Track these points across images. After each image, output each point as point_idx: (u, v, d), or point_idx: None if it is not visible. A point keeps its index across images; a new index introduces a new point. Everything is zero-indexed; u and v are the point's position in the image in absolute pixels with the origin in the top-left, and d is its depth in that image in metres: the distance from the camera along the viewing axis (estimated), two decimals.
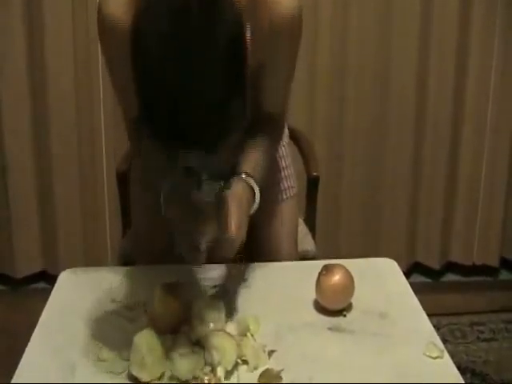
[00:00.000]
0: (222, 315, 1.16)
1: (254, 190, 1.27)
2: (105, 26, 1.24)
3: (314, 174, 1.71)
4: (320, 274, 1.27)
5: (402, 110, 2.51)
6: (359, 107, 2.51)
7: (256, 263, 1.42)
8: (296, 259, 1.56)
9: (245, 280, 1.36)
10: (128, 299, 1.29)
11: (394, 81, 2.48)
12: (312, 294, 1.28)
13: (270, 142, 1.40)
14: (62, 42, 2.34)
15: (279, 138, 1.48)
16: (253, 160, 1.32)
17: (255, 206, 1.28)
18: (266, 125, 1.37)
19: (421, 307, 1.30)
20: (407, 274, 2.66)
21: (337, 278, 1.24)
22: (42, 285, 2.59)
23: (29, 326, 1.24)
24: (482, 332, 2.42)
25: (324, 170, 2.34)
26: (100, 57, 2.33)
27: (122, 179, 1.64)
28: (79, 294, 1.33)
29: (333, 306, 1.26)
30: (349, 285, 1.26)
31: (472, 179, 2.63)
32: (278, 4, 1.18)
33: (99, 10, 1.24)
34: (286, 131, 1.57)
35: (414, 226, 2.66)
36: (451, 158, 2.60)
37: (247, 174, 1.28)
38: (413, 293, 1.35)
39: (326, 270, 1.26)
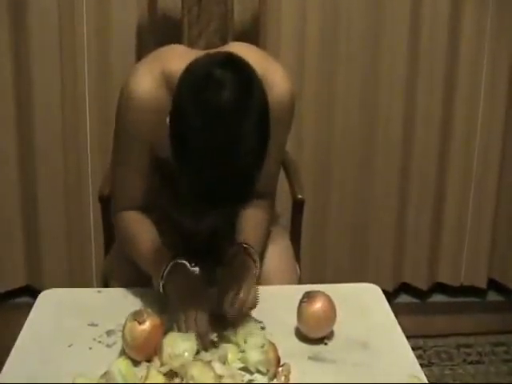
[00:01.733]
0: (194, 345, 1.14)
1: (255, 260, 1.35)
2: (133, 105, 1.30)
3: (299, 196, 1.70)
4: (301, 301, 1.25)
5: (390, 133, 2.50)
6: (346, 130, 2.50)
7: None
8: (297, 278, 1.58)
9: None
10: (108, 323, 1.27)
11: (381, 104, 2.47)
12: (294, 321, 1.26)
13: (265, 212, 1.47)
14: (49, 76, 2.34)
15: (272, 208, 1.53)
16: (252, 229, 1.41)
17: (257, 273, 1.35)
18: (259, 198, 1.41)
19: (404, 337, 1.28)
20: (394, 295, 2.66)
21: (318, 305, 1.23)
22: (25, 299, 2.56)
23: (12, 340, 1.23)
24: (469, 354, 2.40)
25: (310, 193, 2.36)
26: (86, 86, 2.33)
27: (105, 202, 1.63)
28: (58, 317, 1.31)
29: (314, 334, 1.24)
30: (330, 313, 1.24)
31: (460, 199, 2.62)
32: (270, 90, 1.20)
33: (127, 88, 1.31)
34: None
35: (402, 246, 2.64)
36: (439, 179, 2.59)
37: (248, 245, 1.36)
38: (396, 321, 1.33)
39: (308, 297, 1.25)
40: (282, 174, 1.69)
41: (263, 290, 1.39)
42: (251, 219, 1.43)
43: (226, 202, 1.13)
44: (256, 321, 1.28)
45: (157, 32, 2.21)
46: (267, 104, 1.12)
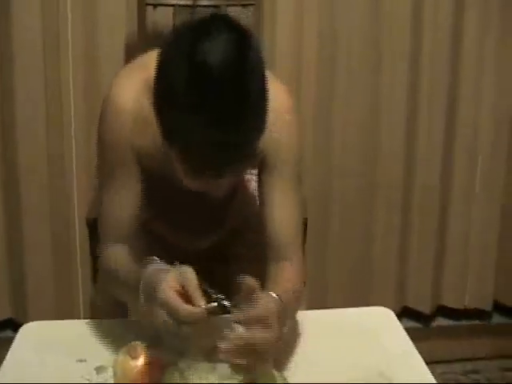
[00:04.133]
0: None
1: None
2: (116, 116, 1.21)
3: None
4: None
5: (392, 155, 2.45)
6: (348, 149, 2.44)
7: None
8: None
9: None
10: (97, 358, 1.15)
11: (383, 128, 2.43)
12: (302, 349, 1.15)
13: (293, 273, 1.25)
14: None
15: (301, 271, 1.29)
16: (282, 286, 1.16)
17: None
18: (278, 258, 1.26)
19: (425, 365, 1.18)
20: None
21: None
22: (8, 333, 2.44)
23: None
24: (478, 381, 2.31)
25: (313, 215, 2.27)
26: (72, 106, 2.26)
27: (92, 227, 1.52)
28: (42, 352, 1.18)
29: None
30: None
31: (464, 221, 2.56)
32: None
33: (109, 100, 1.23)
34: None
35: (404, 269, 2.57)
36: (442, 200, 2.53)
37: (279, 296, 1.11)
38: (414, 348, 1.23)
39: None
40: None
41: None
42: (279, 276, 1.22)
43: (223, 168, 1.02)
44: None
45: (147, 48, 2.13)
46: (263, 59, 1.03)
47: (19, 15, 2.19)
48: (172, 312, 1.01)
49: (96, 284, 1.54)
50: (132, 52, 2.15)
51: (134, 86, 1.19)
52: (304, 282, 1.26)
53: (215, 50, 0.96)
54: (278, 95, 1.23)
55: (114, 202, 1.26)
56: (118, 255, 1.25)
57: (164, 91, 1.01)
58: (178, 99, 0.98)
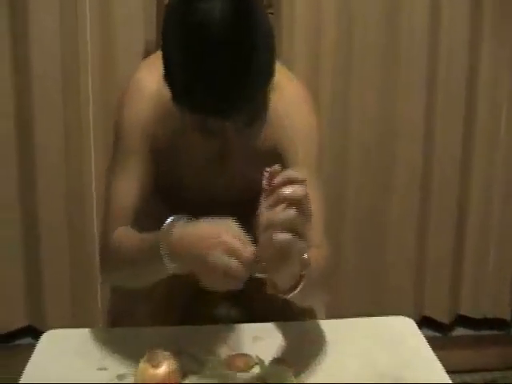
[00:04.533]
0: None
1: None
2: (138, 95, 1.22)
3: None
4: None
5: (409, 162, 2.45)
6: (365, 154, 2.43)
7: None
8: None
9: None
10: (118, 366, 1.15)
11: (400, 149, 2.43)
12: (321, 357, 1.15)
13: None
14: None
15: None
16: None
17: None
18: None
19: (446, 375, 1.16)
20: None
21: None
22: (27, 341, 2.45)
23: None
24: None
25: (327, 223, 2.25)
26: (91, 101, 2.25)
27: None
28: (62, 360, 1.18)
29: None
30: None
31: (482, 229, 2.54)
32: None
33: (133, 79, 1.24)
34: None
35: (422, 278, 2.55)
36: (460, 209, 2.51)
37: None
38: (436, 357, 1.22)
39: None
40: None
41: (290, 326, 1.27)
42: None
43: (228, 101, 1.01)
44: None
45: None
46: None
47: (37, 15, 2.20)
48: (242, 253, 0.95)
49: (116, 293, 1.53)
50: (150, 50, 2.15)
51: (155, 74, 1.16)
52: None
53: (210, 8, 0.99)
54: (290, 86, 1.23)
55: (123, 189, 1.23)
56: (125, 231, 1.20)
57: (165, 48, 1.05)
58: (177, 49, 1.01)
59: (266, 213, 0.93)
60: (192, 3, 1.02)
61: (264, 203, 0.94)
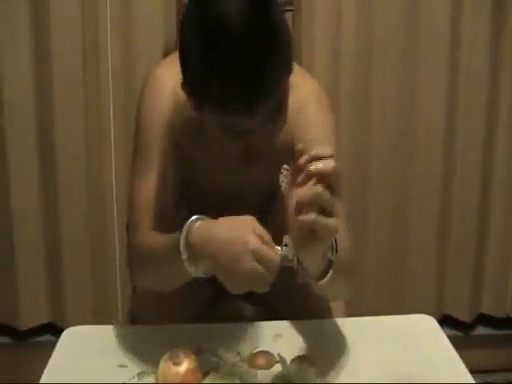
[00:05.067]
0: None
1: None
2: (159, 94, 1.23)
3: None
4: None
5: (429, 163, 2.43)
6: (384, 158, 2.42)
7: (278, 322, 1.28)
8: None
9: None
10: (139, 364, 1.15)
11: (419, 145, 2.42)
12: (343, 356, 1.14)
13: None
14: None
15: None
16: None
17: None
18: None
19: (469, 373, 1.15)
20: None
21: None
22: (48, 337, 2.47)
23: (34, 381, 1.12)
24: None
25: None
26: (111, 102, 2.26)
27: None
28: (83, 358, 1.19)
29: None
30: None
31: (504, 227, 2.51)
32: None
33: (151, 78, 1.25)
34: None
35: (443, 276, 2.52)
36: (481, 208, 2.48)
37: None
38: (458, 356, 1.21)
39: None
40: None
41: (310, 324, 1.26)
42: None
43: (251, 101, 0.99)
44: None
45: None
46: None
47: (59, 14, 2.21)
48: (269, 259, 0.96)
49: (136, 292, 1.53)
50: (170, 50, 2.15)
51: (175, 70, 1.13)
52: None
53: (229, 4, 0.99)
54: (305, 84, 1.22)
55: (151, 187, 1.22)
56: (151, 232, 1.19)
57: (182, 44, 1.05)
58: (194, 49, 1.01)
59: (296, 191, 0.92)
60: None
61: (291, 186, 0.94)
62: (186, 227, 1.03)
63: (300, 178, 0.92)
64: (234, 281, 0.98)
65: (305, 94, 1.23)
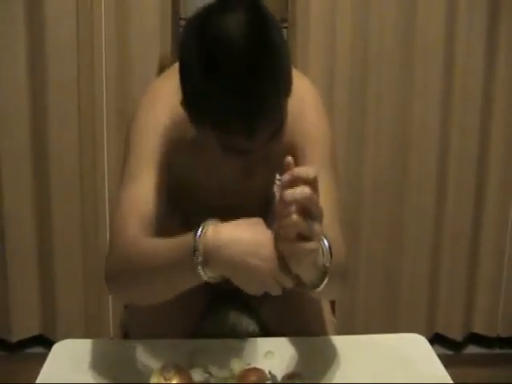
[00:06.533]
0: None
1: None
2: (155, 107, 1.22)
3: None
4: None
5: (423, 174, 2.44)
6: (377, 182, 2.44)
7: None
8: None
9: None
10: (129, 379, 1.14)
11: (413, 158, 2.43)
12: (333, 373, 1.14)
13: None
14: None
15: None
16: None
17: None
18: None
19: None
20: None
21: None
22: (38, 349, 2.46)
23: None
24: None
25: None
26: (105, 116, 2.28)
27: None
28: (74, 371, 1.18)
29: None
30: None
31: (496, 245, 2.52)
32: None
33: (147, 92, 1.24)
34: None
35: (435, 295, 2.53)
36: (474, 224, 2.49)
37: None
38: (448, 375, 1.21)
39: None
40: None
41: (303, 341, 1.26)
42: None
43: (252, 124, 1.00)
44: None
45: None
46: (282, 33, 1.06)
47: (54, 27, 2.23)
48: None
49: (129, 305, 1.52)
50: (164, 63, 2.17)
51: (171, 85, 1.13)
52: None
53: (229, 23, 1.00)
54: (299, 85, 1.19)
55: (140, 195, 1.17)
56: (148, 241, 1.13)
57: (182, 64, 1.05)
58: (195, 65, 1.01)
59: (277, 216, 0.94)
60: (209, 16, 1.02)
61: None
62: (199, 230, 0.99)
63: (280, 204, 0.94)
64: (254, 281, 0.99)
65: (301, 95, 1.20)
